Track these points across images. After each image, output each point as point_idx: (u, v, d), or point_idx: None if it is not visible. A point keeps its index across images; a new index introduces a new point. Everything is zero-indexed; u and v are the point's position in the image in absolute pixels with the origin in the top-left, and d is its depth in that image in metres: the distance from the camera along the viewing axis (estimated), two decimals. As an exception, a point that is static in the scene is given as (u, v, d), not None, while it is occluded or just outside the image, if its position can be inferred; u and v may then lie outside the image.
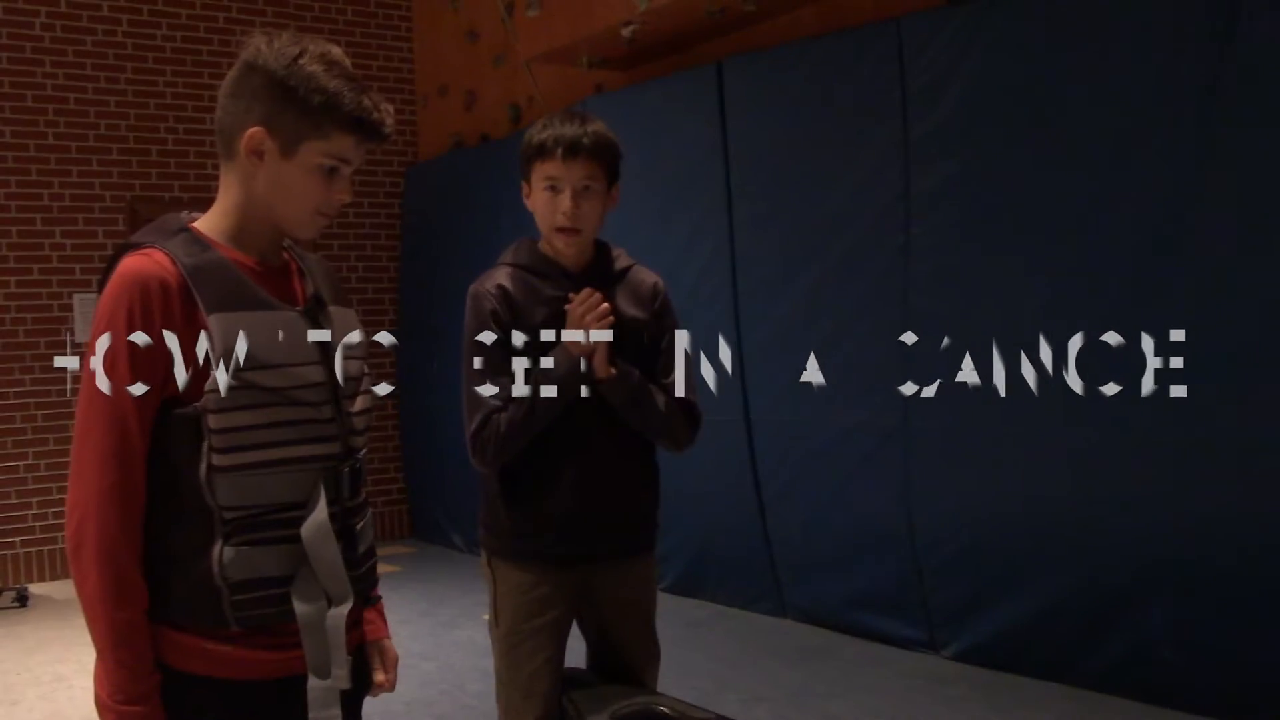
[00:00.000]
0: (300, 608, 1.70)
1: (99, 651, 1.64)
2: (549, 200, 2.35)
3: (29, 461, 7.40)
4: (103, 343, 1.65)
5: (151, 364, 1.64)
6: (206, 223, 1.77)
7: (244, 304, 1.69)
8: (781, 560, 5.65)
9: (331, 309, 1.84)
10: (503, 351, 2.32)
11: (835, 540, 5.33)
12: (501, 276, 2.39)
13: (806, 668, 4.89)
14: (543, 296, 2.37)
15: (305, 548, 1.70)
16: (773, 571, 5.68)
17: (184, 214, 1.81)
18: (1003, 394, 4.55)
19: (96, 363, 1.64)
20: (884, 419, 5.03)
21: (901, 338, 4.90)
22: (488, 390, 2.31)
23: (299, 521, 1.71)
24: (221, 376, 1.64)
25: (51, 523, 7.47)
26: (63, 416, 7.49)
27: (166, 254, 1.68)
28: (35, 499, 7.43)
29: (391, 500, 8.36)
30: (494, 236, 7.38)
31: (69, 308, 7.53)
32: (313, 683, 1.71)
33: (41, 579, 7.42)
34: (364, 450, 1.85)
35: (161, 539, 1.67)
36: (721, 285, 5.68)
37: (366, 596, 1.86)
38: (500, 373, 2.31)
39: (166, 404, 1.67)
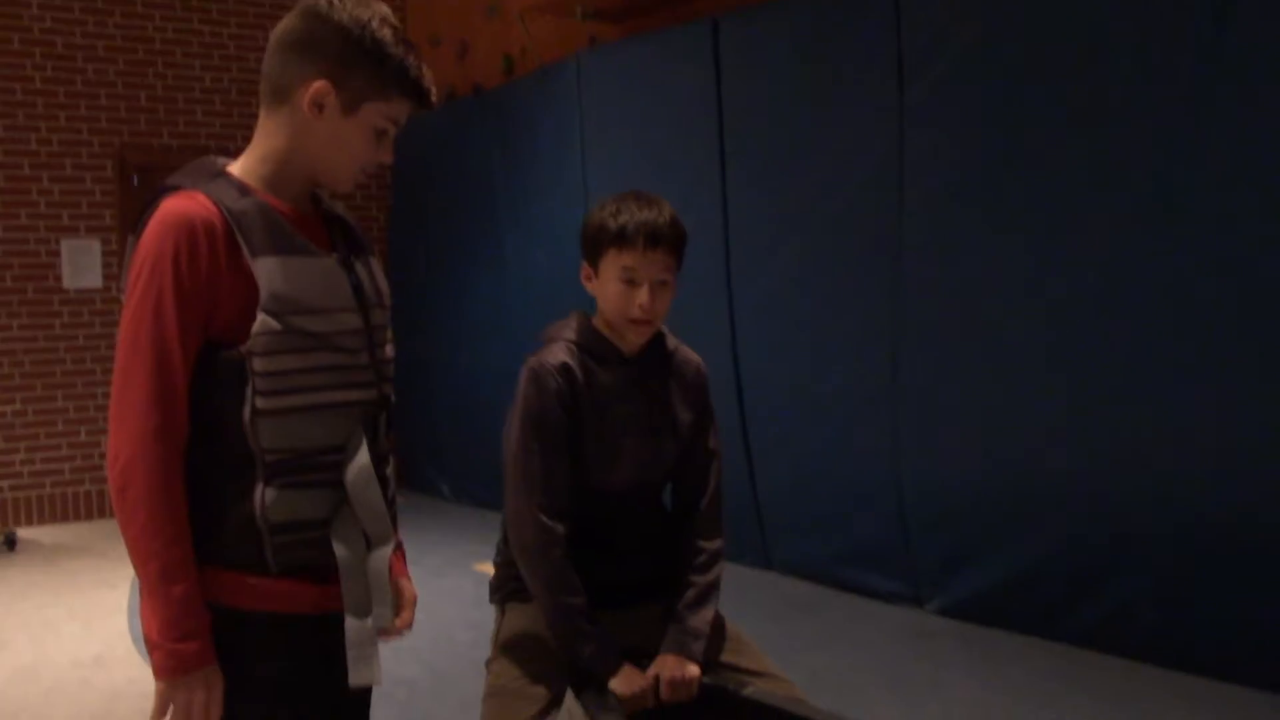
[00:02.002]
0: (340, 549, 1.72)
1: (148, 590, 1.64)
2: (624, 292, 2.22)
3: (16, 407, 7.40)
4: (147, 284, 1.64)
5: (197, 305, 1.64)
6: (242, 168, 1.77)
7: (288, 249, 1.70)
8: (769, 515, 5.68)
9: (360, 258, 1.86)
10: (564, 434, 2.23)
11: (822, 496, 5.37)
12: (564, 354, 2.26)
13: (792, 621, 4.94)
14: (598, 384, 2.27)
15: (349, 490, 1.73)
16: (760, 526, 5.72)
17: (217, 158, 1.81)
18: (991, 355, 4.59)
19: (140, 304, 1.64)
20: (873, 379, 5.05)
21: (892, 299, 4.92)
22: (539, 479, 2.21)
23: (338, 465, 1.73)
24: (268, 320, 1.65)
25: (39, 468, 7.48)
26: (50, 363, 7.48)
27: (209, 197, 1.68)
28: (23, 444, 7.43)
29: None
30: (486, 188, 7.36)
31: (56, 253, 7.50)
32: (351, 623, 1.73)
33: (29, 524, 7.44)
34: (393, 398, 1.88)
35: (203, 481, 1.68)
36: (714, 244, 5.68)
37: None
38: (559, 456, 2.22)
39: (210, 347, 1.67)
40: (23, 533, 7.20)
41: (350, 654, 1.73)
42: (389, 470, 1.88)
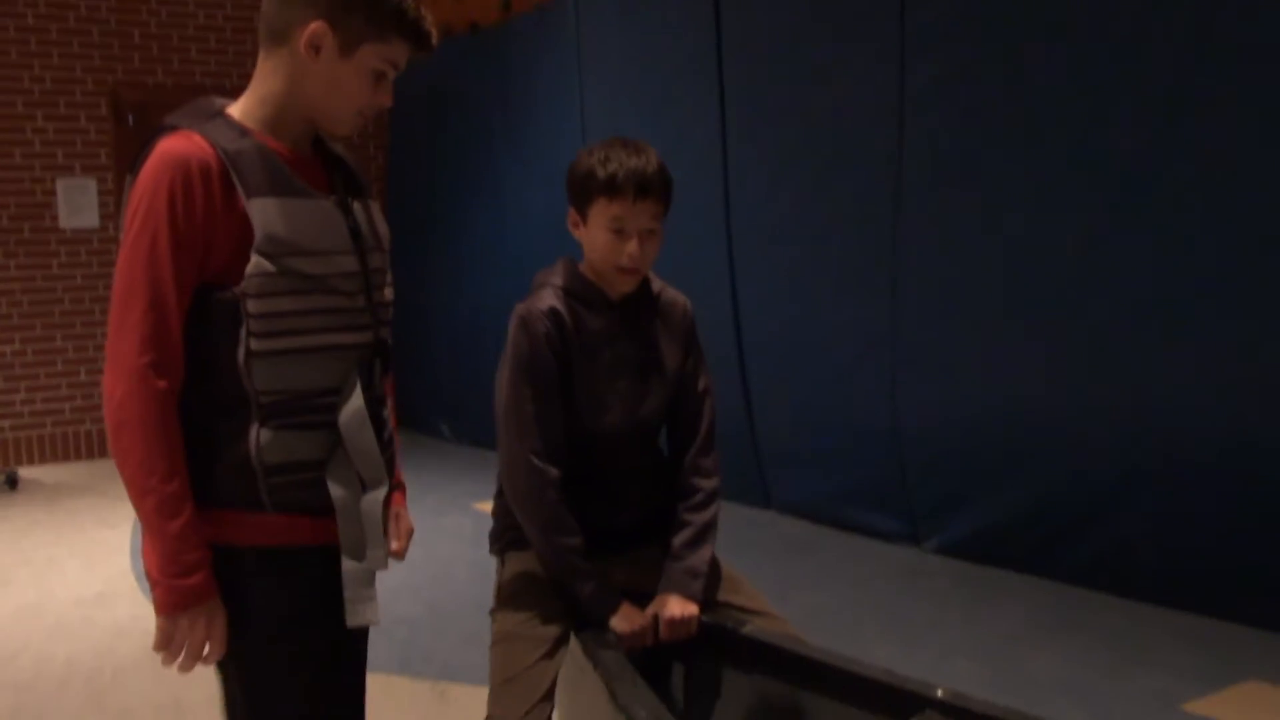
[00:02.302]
0: (335, 491, 1.74)
1: (147, 527, 1.65)
2: (612, 241, 2.21)
3: (15, 347, 7.40)
4: (142, 224, 1.64)
5: (192, 246, 1.64)
6: (241, 109, 1.76)
7: (284, 190, 1.69)
8: (767, 455, 5.70)
9: (359, 201, 1.85)
10: (555, 378, 2.23)
11: (821, 436, 5.38)
12: (552, 299, 2.25)
13: (790, 560, 4.97)
14: (587, 328, 2.27)
15: (342, 434, 1.73)
16: (758, 465, 5.74)
17: (215, 99, 1.79)
18: (992, 294, 4.58)
19: (135, 244, 1.64)
20: (873, 318, 5.05)
21: (892, 239, 4.90)
22: (532, 429, 2.21)
23: (333, 407, 1.74)
24: (262, 262, 1.65)
25: (40, 408, 7.49)
26: (48, 303, 7.47)
27: (205, 137, 1.67)
28: (23, 384, 7.44)
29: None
30: (484, 127, 7.31)
31: (52, 193, 7.46)
32: (347, 564, 1.75)
33: (30, 463, 7.47)
34: (390, 341, 1.88)
35: (198, 422, 1.69)
36: (713, 183, 5.64)
37: (390, 481, 1.89)
38: (550, 400, 2.23)
39: (204, 287, 1.67)
40: (24, 472, 7.23)
41: (347, 595, 1.75)
42: (386, 412, 1.88)
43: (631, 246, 2.20)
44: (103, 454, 7.72)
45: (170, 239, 1.63)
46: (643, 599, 2.26)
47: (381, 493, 1.79)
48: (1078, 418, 4.33)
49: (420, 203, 8.07)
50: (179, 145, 1.66)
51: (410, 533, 2.00)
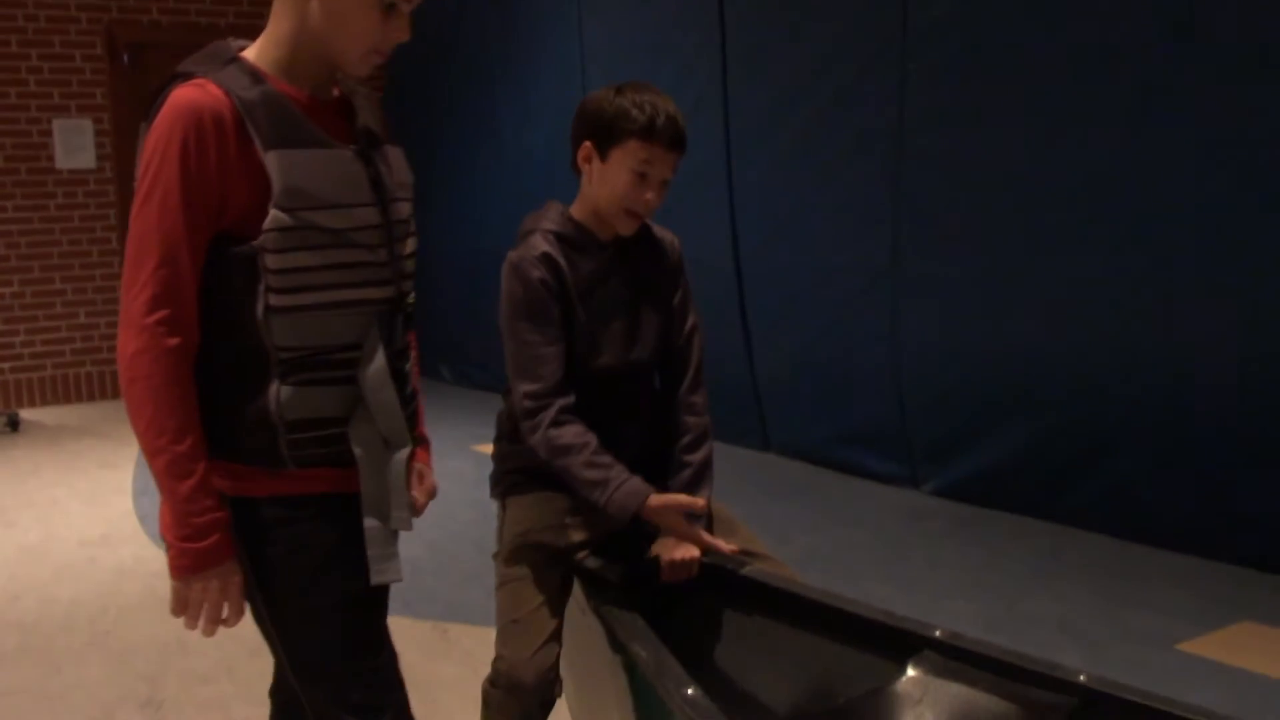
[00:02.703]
0: (358, 449, 1.71)
1: (160, 488, 1.63)
2: (632, 184, 2.17)
3: (15, 289, 7.38)
4: (155, 177, 1.58)
5: (205, 199, 1.59)
6: (256, 52, 1.69)
7: (301, 141, 1.63)
8: (767, 397, 5.71)
9: (381, 148, 1.78)
10: (553, 317, 2.21)
11: (820, 378, 5.39)
12: (544, 244, 2.23)
13: (789, 502, 5.00)
14: (579, 271, 2.25)
15: (364, 393, 1.70)
16: (758, 407, 5.75)
17: (231, 42, 1.72)
18: (993, 235, 4.56)
19: (147, 198, 1.59)
20: (873, 259, 5.03)
21: (893, 177, 4.87)
22: (539, 359, 2.20)
23: (354, 363, 1.70)
24: (280, 216, 1.60)
25: (40, 350, 7.49)
26: (46, 244, 7.44)
27: (219, 85, 1.61)
28: (23, 326, 7.43)
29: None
30: (482, 67, 7.23)
31: (49, 133, 7.40)
32: (370, 524, 1.72)
33: (31, 405, 7.48)
34: (413, 295, 1.83)
35: (216, 378, 1.65)
36: (713, 122, 5.60)
37: (413, 436, 1.85)
38: (551, 333, 2.21)
39: (220, 241, 1.62)
40: (25, 414, 7.24)
41: (370, 554, 1.72)
42: (408, 367, 1.85)
43: (651, 193, 2.19)
44: (104, 396, 7.73)
45: (182, 193, 1.58)
46: (643, 540, 2.27)
47: (405, 453, 1.76)
48: (1077, 360, 4.33)
49: (418, 145, 7.99)
50: (192, 94, 1.60)
51: (433, 491, 1.96)
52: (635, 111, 2.16)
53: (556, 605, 2.21)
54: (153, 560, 4.41)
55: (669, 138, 2.16)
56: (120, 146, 7.59)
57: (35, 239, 7.41)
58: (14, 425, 6.84)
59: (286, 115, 1.63)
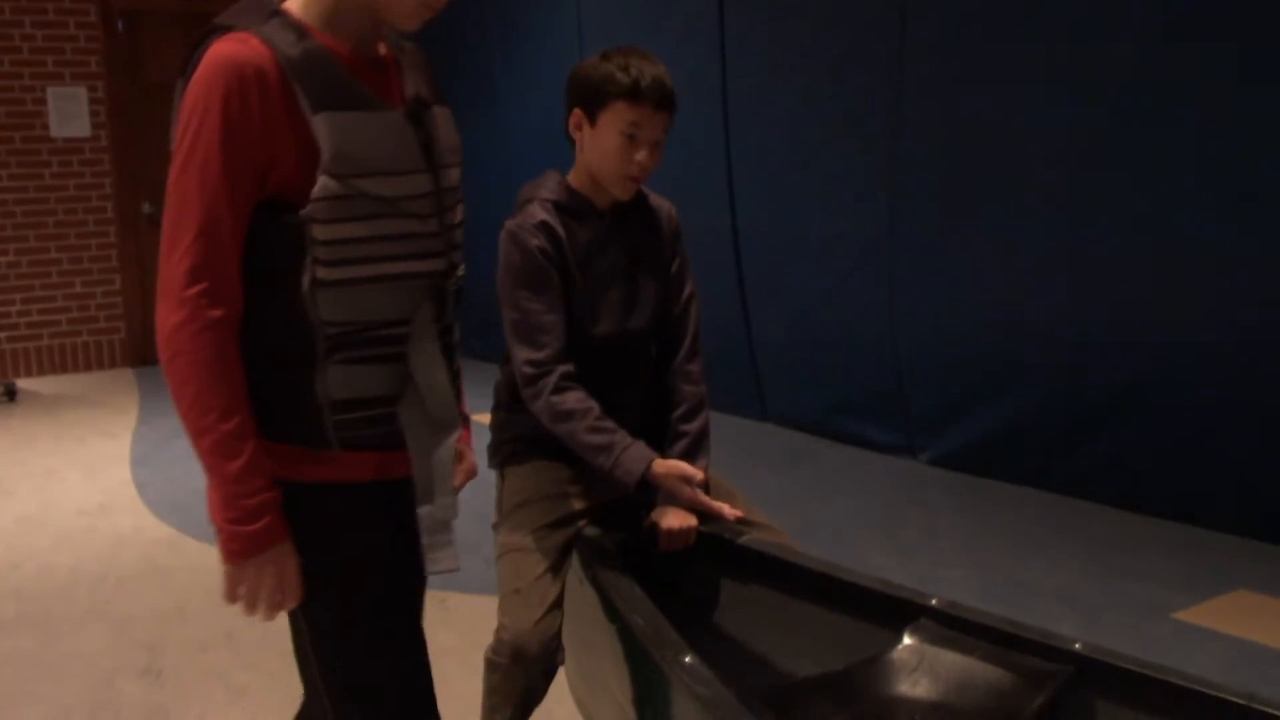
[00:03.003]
0: (408, 432, 1.62)
1: (206, 468, 1.52)
2: (622, 147, 2.17)
3: (10, 258, 7.36)
4: (194, 139, 1.47)
5: (248, 162, 1.49)
6: (299, 5, 1.58)
7: (350, 103, 1.52)
8: (764, 366, 5.71)
9: (433, 110, 1.67)
10: (553, 284, 2.21)
11: (818, 347, 5.39)
12: (542, 213, 2.23)
13: (787, 471, 5.01)
14: (576, 239, 2.25)
15: (414, 374, 1.61)
16: (756, 377, 5.76)
17: None
18: (991, 205, 4.55)
19: (186, 162, 1.48)
20: (871, 228, 5.02)
21: (891, 146, 4.85)
22: (541, 323, 2.20)
23: (403, 339, 1.61)
24: (330, 183, 1.49)
25: (36, 319, 7.48)
26: (42, 214, 7.41)
27: (262, 40, 1.50)
28: (19, 295, 7.42)
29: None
30: (478, 33, 7.19)
31: (43, 101, 7.36)
32: (422, 511, 1.66)
33: (28, 375, 7.47)
34: (463, 267, 1.72)
35: (257, 354, 1.55)
36: (711, 89, 5.57)
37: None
38: (550, 300, 2.21)
39: (265, 208, 1.52)
40: (21, 384, 7.23)
41: (424, 542, 1.66)
42: (455, 341, 1.76)
43: (643, 154, 2.19)
44: (100, 365, 7.72)
45: (224, 155, 1.47)
46: (641, 508, 2.27)
47: (453, 437, 1.68)
48: (1073, 330, 4.33)
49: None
50: (233, 49, 1.48)
51: (472, 472, 1.90)
52: (620, 74, 2.16)
53: (557, 574, 2.22)
54: (151, 529, 4.42)
55: (655, 98, 2.16)
56: (115, 114, 7.55)
57: (30, 208, 7.38)
58: (11, 395, 6.84)
59: (334, 74, 1.53)
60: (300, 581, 1.58)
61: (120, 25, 7.52)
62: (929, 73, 4.69)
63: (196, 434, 1.51)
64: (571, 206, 2.27)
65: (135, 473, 5.25)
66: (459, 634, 3.38)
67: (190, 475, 5.14)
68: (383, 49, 1.66)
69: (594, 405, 2.19)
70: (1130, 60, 4.01)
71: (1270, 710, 1.56)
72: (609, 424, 2.18)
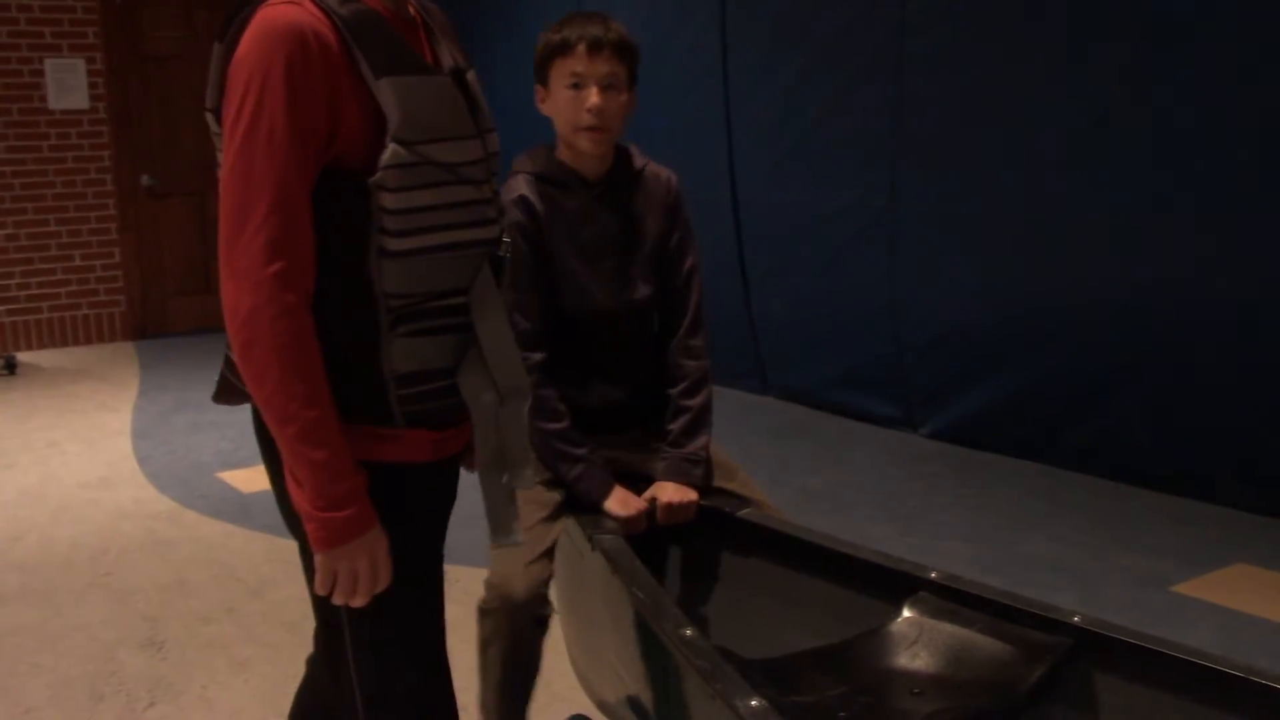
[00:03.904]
0: (472, 399, 1.57)
1: (289, 455, 1.46)
2: (572, 99, 2.19)
3: (9, 231, 7.34)
4: (256, 110, 1.41)
5: (315, 132, 1.43)
6: None
7: (410, 67, 1.49)
8: (765, 339, 5.71)
9: (465, 74, 1.63)
10: (530, 265, 2.21)
11: (819, 320, 5.38)
12: (522, 186, 2.24)
13: (787, 444, 5.01)
14: (563, 210, 2.25)
15: (482, 341, 1.56)
16: (756, 350, 5.75)
17: None
18: (991, 178, 4.53)
19: (249, 134, 1.41)
20: (872, 200, 5.01)
21: (893, 118, 4.84)
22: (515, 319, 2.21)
23: (463, 309, 1.56)
24: (400, 150, 1.45)
25: (35, 292, 7.47)
26: (40, 186, 7.39)
27: (315, 3, 1.45)
28: (18, 269, 7.41)
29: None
30: (475, 13, 7.15)
31: (40, 73, 7.32)
32: (487, 481, 1.61)
33: (28, 348, 7.47)
34: (506, 234, 1.67)
35: (322, 331, 1.48)
36: (711, 63, 5.55)
37: None
38: (528, 288, 2.21)
39: (326, 177, 1.46)
40: (22, 357, 7.23)
41: (489, 514, 1.61)
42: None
43: (591, 98, 2.19)
44: (100, 339, 7.72)
45: (290, 124, 1.41)
46: (638, 480, 2.27)
47: (525, 405, 1.63)
48: (1073, 303, 4.33)
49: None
50: (290, 13, 1.42)
51: None
52: (553, 36, 2.22)
53: (552, 526, 2.22)
54: (152, 502, 4.43)
55: (587, 43, 2.18)
56: (113, 86, 7.52)
57: (29, 181, 7.36)
58: (11, 368, 6.84)
59: (391, 38, 1.49)
60: (390, 562, 1.53)
61: (118, -4, 7.48)
62: (928, 45, 4.67)
63: (280, 422, 1.45)
64: (557, 177, 2.27)
65: (136, 446, 5.26)
66: (462, 606, 3.37)
67: (190, 448, 5.16)
68: (411, 10, 1.62)
69: (566, 412, 2.22)
70: (1133, 30, 3.99)
71: (1269, 683, 1.57)
72: (579, 436, 2.22)
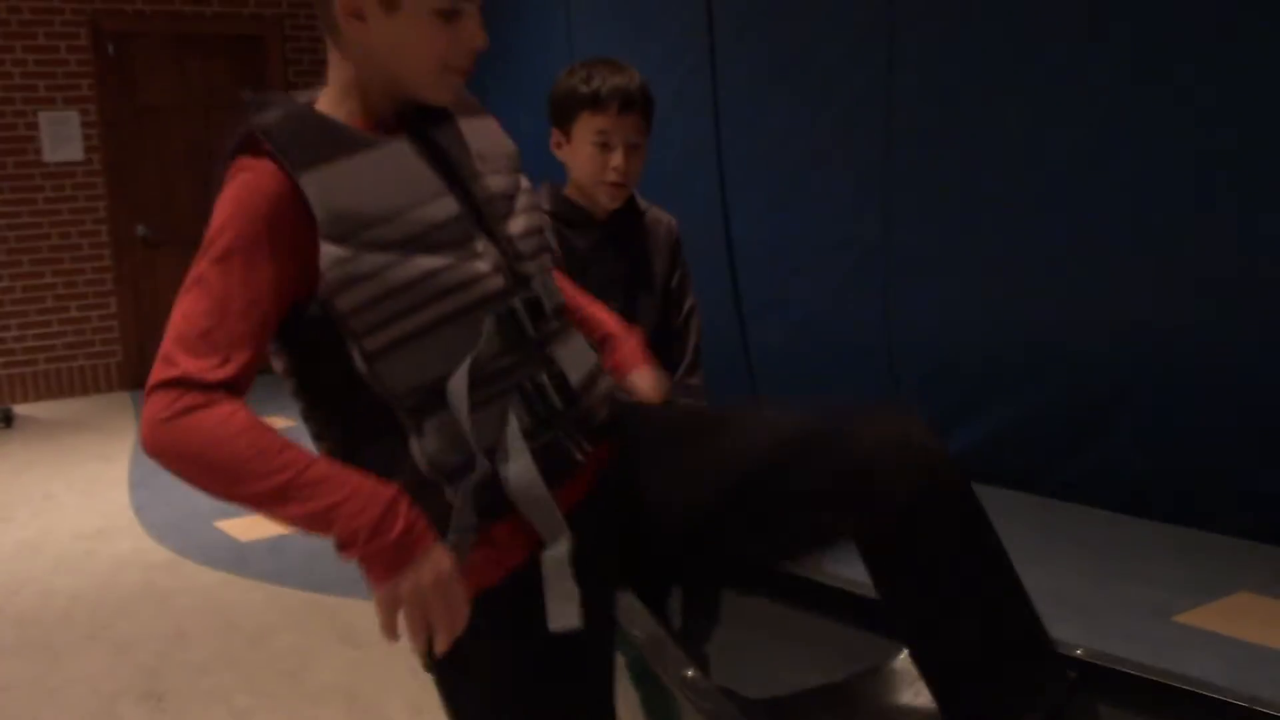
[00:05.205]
0: (507, 473, 1.43)
1: (307, 514, 1.33)
2: (596, 156, 2.22)
3: (5, 284, 7.36)
4: (219, 253, 1.37)
5: (278, 285, 1.38)
6: (328, 101, 1.49)
7: (335, 150, 1.39)
8: (761, 374, 5.71)
9: (460, 121, 1.54)
10: None
11: (814, 355, 5.39)
12: None
13: (785, 481, 5.00)
14: (574, 249, 2.28)
15: (451, 402, 1.40)
16: (752, 385, 5.75)
17: (301, 95, 1.52)
18: (985, 210, 4.56)
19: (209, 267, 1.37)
20: (865, 234, 5.03)
21: (885, 153, 4.87)
22: None
23: (490, 379, 1.44)
24: (332, 249, 1.34)
25: (32, 344, 7.47)
26: (36, 238, 7.42)
27: (271, 156, 1.38)
28: (14, 321, 7.41)
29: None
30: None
31: (35, 126, 7.36)
32: (547, 554, 1.44)
33: (24, 400, 7.46)
34: (540, 275, 1.53)
35: (358, 460, 1.39)
36: (702, 100, 5.58)
37: (594, 428, 1.55)
38: None
39: (292, 315, 1.40)
40: (19, 409, 7.22)
41: (547, 591, 1.43)
42: (568, 351, 1.54)
43: (617, 159, 2.21)
44: (96, 390, 7.71)
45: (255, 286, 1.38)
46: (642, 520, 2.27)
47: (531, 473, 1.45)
48: (1069, 334, 4.33)
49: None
50: (246, 181, 1.39)
51: (655, 383, 1.77)
52: (581, 86, 2.21)
53: None
54: (150, 552, 4.41)
55: (619, 102, 2.19)
56: (107, 137, 7.55)
57: (24, 233, 7.38)
58: (8, 420, 6.83)
59: (320, 128, 1.43)
60: (462, 584, 1.36)
61: (111, 48, 7.53)
62: (920, 80, 4.70)
63: (261, 508, 1.35)
64: (567, 215, 2.30)
65: (133, 496, 5.24)
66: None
67: (188, 497, 5.11)
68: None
69: None
70: (1124, 67, 4.03)
71: (1274, 714, 1.56)
72: None
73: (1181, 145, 3.89)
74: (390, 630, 1.34)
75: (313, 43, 8.07)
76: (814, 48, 5.11)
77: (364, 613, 3.61)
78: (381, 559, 1.31)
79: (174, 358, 1.34)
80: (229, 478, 1.34)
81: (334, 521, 1.31)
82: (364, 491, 1.32)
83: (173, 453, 1.34)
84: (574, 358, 1.54)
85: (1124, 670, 1.72)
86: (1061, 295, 4.34)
